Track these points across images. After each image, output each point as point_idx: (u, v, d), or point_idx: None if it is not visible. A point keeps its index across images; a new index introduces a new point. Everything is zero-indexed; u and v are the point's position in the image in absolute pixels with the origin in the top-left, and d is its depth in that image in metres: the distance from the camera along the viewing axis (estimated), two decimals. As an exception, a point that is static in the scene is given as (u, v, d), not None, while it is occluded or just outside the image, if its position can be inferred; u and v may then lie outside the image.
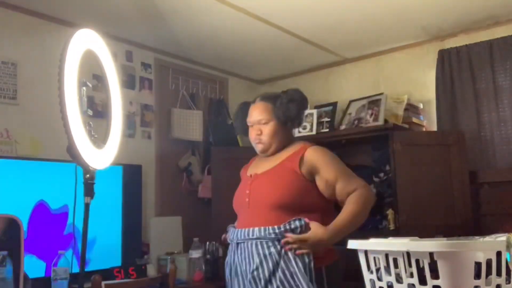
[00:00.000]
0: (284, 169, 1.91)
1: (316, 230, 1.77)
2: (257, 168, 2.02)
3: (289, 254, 1.77)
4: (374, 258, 1.19)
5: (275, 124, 1.96)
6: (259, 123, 1.98)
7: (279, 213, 1.82)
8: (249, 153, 2.17)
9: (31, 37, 2.88)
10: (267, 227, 1.80)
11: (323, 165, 1.87)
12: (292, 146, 1.99)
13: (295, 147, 1.97)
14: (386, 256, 1.15)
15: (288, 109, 1.95)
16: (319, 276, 1.78)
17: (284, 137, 2.00)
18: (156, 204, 3.52)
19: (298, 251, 1.74)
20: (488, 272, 1.06)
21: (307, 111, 2.27)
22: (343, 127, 3.48)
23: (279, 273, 1.76)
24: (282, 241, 1.76)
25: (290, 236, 1.75)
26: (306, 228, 1.78)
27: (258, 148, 2.01)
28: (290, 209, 1.82)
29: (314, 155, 1.90)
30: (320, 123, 3.55)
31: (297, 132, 3.54)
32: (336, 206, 1.95)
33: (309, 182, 1.88)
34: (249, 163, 2.15)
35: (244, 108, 2.10)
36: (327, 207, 1.92)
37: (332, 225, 1.79)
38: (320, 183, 1.88)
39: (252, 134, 2.01)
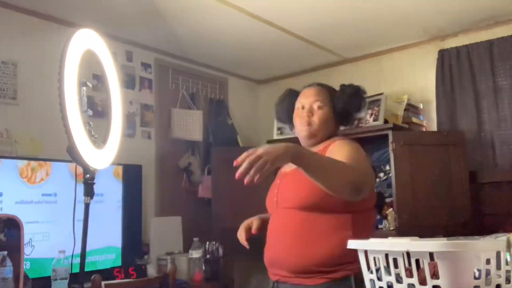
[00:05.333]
0: None
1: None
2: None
3: None
4: (374, 258, 1.19)
5: (329, 112, 1.79)
6: (311, 107, 1.79)
7: (307, 215, 1.63)
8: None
9: (31, 37, 2.88)
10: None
11: (338, 151, 1.64)
12: (328, 141, 1.78)
13: (328, 142, 1.77)
14: (386, 256, 1.15)
15: (349, 102, 1.79)
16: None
17: (331, 129, 1.82)
18: (156, 204, 3.52)
19: (259, 173, 1.32)
20: (488, 272, 1.06)
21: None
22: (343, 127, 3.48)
23: None
24: (237, 174, 1.32)
25: (238, 161, 1.33)
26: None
27: (303, 131, 1.79)
28: (320, 210, 1.62)
29: (337, 145, 1.70)
30: (320, 123, 3.55)
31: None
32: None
33: None
34: None
35: (293, 93, 1.92)
36: (364, 207, 1.67)
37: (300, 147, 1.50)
38: None
39: (300, 117, 1.80)
